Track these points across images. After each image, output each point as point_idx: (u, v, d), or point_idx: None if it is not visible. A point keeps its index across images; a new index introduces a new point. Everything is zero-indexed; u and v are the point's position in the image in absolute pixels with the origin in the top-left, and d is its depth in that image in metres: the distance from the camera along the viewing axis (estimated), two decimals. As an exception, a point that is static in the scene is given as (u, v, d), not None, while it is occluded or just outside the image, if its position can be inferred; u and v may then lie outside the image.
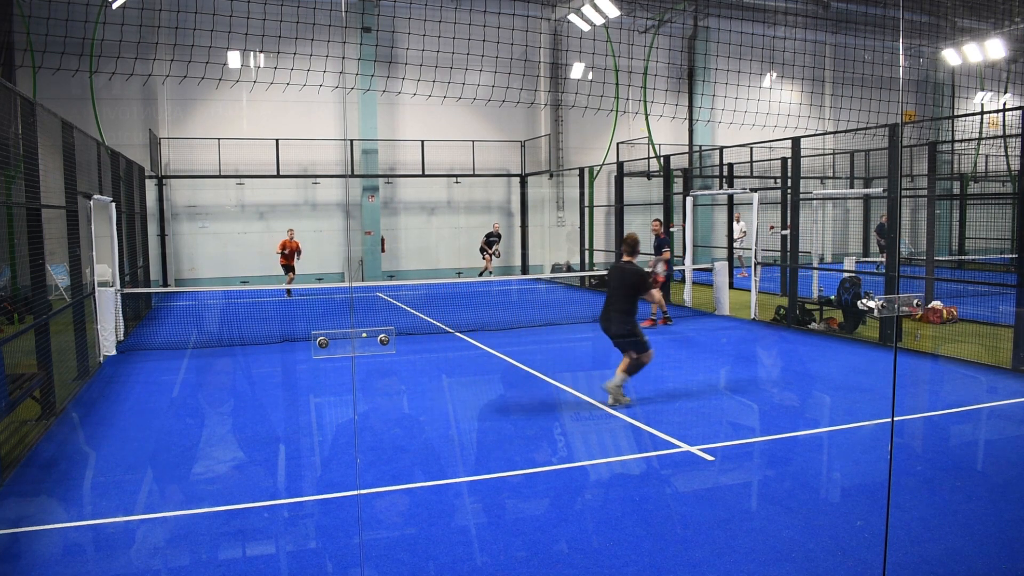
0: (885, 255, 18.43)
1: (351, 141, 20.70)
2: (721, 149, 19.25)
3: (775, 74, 23.38)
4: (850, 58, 21.88)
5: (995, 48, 22.79)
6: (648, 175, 22.02)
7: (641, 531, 4.64)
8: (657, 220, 13.33)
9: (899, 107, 23.40)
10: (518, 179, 22.29)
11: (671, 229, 16.87)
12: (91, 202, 9.80)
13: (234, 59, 17.41)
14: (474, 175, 21.80)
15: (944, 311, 11.95)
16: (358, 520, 4.90)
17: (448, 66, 15.31)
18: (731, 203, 18.92)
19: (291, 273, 17.40)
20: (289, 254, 17.31)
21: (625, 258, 7.71)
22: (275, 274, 19.76)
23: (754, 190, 13.82)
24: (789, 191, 12.99)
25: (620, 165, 19.07)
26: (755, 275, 13.25)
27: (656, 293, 10.53)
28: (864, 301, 10.93)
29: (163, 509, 5.12)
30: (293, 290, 17.58)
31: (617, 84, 22.77)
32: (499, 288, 19.09)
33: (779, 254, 14.84)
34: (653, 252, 13.37)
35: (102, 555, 4.46)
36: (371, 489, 5.43)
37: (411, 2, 15.85)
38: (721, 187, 20.04)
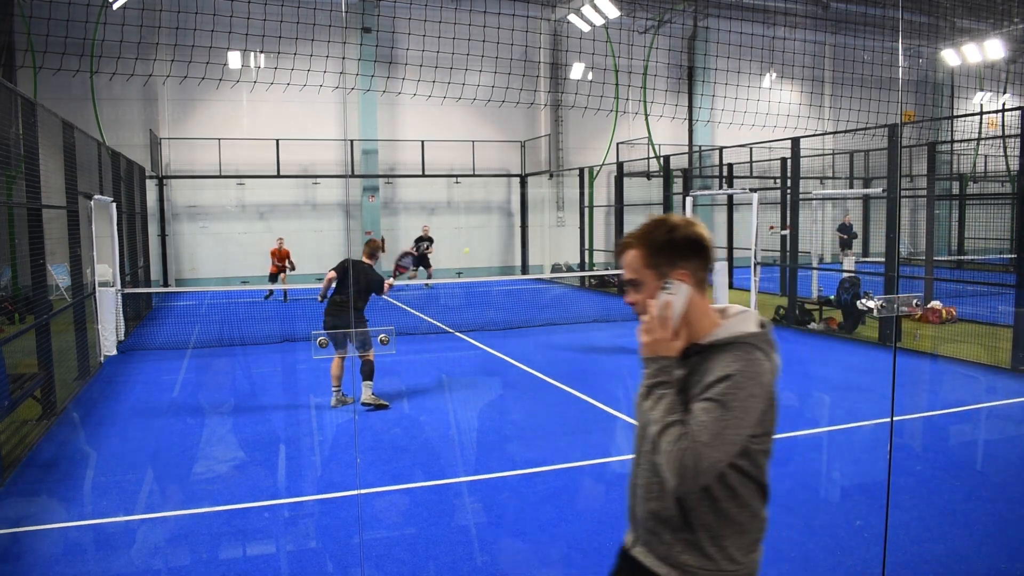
0: (844, 253, 18.68)
1: (351, 141, 20.71)
2: (721, 149, 19.27)
3: (775, 74, 23.39)
4: (850, 58, 21.89)
5: (994, 48, 22.80)
6: (648, 175, 22.02)
7: (641, 531, 4.64)
8: None
9: (899, 107, 23.42)
10: (518, 179, 22.30)
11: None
12: (91, 202, 9.81)
13: (234, 59, 17.42)
14: (474, 175, 21.81)
15: (943, 311, 11.97)
16: (358, 520, 4.91)
17: (448, 66, 15.32)
18: (731, 203, 18.93)
19: (283, 274, 16.97)
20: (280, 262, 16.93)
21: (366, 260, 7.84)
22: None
23: (754, 190, 13.81)
24: (789, 191, 13.00)
25: (620, 165, 19.09)
26: (755, 275, 13.25)
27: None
28: (864, 301, 10.95)
29: (163, 509, 5.13)
30: (290, 292, 17.24)
31: (617, 84, 22.77)
32: (499, 288, 19.09)
33: (779, 254, 14.85)
34: None
35: (102, 555, 4.47)
36: (371, 489, 5.44)
37: (411, 2, 15.85)
38: (721, 187, 20.05)
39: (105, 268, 11.33)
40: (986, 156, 24.32)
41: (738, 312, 2.03)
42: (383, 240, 21.80)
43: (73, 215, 8.88)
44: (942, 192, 20.95)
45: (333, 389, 7.58)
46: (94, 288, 10.42)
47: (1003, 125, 22.47)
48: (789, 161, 12.72)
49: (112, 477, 5.74)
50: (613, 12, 19.95)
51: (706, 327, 1.98)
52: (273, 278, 16.91)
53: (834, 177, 23.36)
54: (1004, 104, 27.35)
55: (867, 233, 20.56)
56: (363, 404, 7.45)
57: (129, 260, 13.33)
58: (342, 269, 7.62)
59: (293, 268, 16.80)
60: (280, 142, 19.46)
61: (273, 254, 16.82)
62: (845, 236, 19.94)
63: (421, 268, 18.90)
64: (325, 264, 21.95)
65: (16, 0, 16.35)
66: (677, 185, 17.28)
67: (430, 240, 19.51)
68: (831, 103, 25.30)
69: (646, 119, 23.66)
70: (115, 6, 16.65)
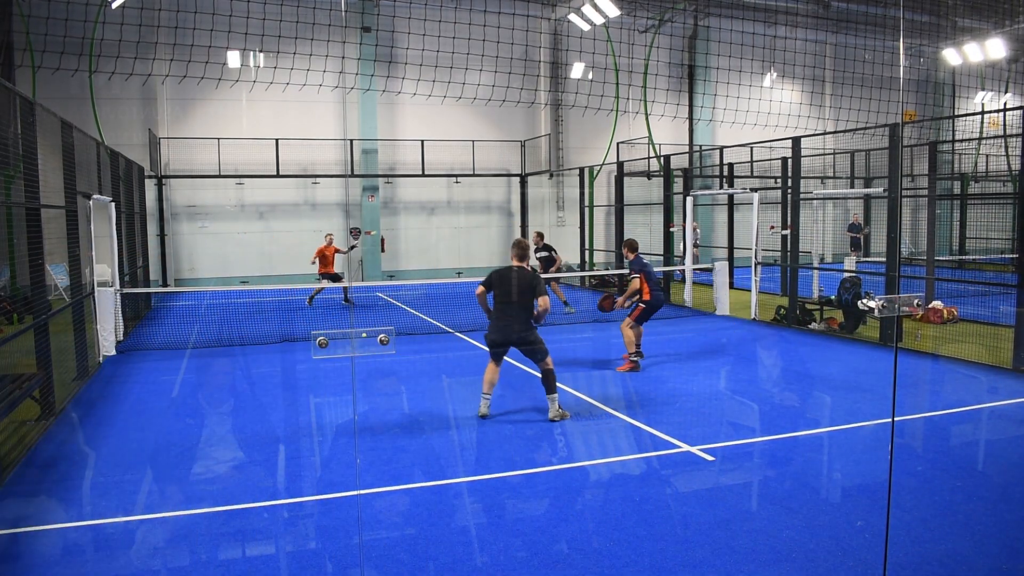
0: (855, 252, 18.70)
1: (351, 141, 20.70)
2: (721, 149, 19.25)
3: (775, 74, 23.37)
4: (850, 58, 21.87)
5: (996, 48, 22.78)
6: (648, 175, 22.01)
7: (642, 531, 4.63)
8: (626, 243, 9.87)
9: (899, 107, 23.40)
10: (518, 179, 22.28)
11: (671, 229, 16.83)
12: (91, 202, 9.79)
13: (234, 59, 17.41)
14: (474, 175, 21.79)
15: (944, 311, 11.94)
16: (358, 520, 4.89)
17: (448, 66, 15.30)
18: (731, 203, 18.91)
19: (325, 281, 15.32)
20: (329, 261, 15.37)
21: (515, 263, 7.19)
22: (275, 274, 19.75)
23: (755, 190, 13.81)
24: (789, 191, 12.98)
25: (620, 165, 19.06)
26: (756, 275, 13.24)
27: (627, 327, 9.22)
28: (864, 301, 10.92)
29: (163, 509, 5.11)
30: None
31: (617, 84, 22.76)
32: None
33: (779, 254, 14.83)
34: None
35: (102, 555, 4.46)
36: (371, 489, 5.42)
37: (411, 2, 15.84)
38: (722, 187, 20.03)
39: (104, 268, 11.32)
40: (987, 156, 24.30)
41: None
42: (383, 240, 21.74)
43: (72, 215, 8.86)
44: (943, 192, 20.92)
45: (484, 395, 7.15)
46: (93, 288, 10.41)
47: (1004, 124, 22.46)
48: (790, 161, 12.70)
49: (111, 477, 5.72)
50: (613, 11, 19.93)
51: None
52: (326, 279, 15.38)
53: (835, 177, 23.34)
54: (1005, 103, 27.32)
55: (868, 233, 20.55)
56: (551, 420, 6.99)
57: (128, 260, 13.31)
58: (489, 281, 7.19)
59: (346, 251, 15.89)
60: (279, 142, 19.44)
61: (320, 253, 15.41)
62: (856, 235, 19.89)
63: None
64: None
65: (16, 0, 16.33)
66: (677, 185, 17.26)
67: (548, 249, 14.88)
68: (832, 103, 25.28)
69: (646, 118, 23.64)
70: (114, 5, 16.64)
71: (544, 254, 14.76)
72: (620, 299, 9.48)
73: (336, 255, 15.63)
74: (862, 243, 19.97)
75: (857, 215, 20.84)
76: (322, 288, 15.63)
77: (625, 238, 10.04)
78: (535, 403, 7.78)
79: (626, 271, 17.04)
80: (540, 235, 15.06)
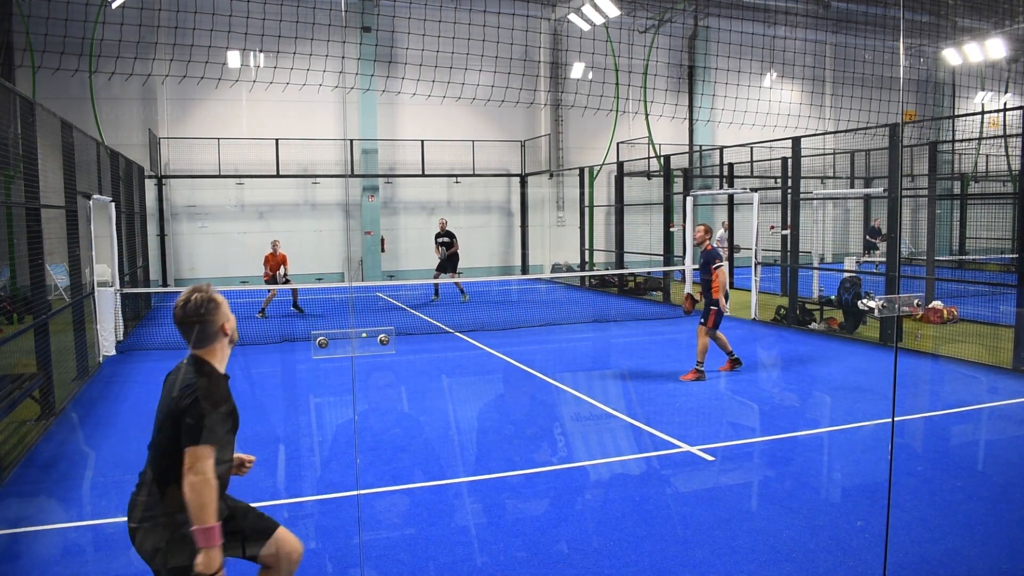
0: (867, 253, 18.61)
1: (351, 141, 20.70)
2: (721, 149, 19.25)
3: (775, 74, 23.37)
4: (850, 58, 21.87)
5: (996, 48, 22.79)
6: (648, 175, 22.00)
7: (642, 531, 4.63)
8: (703, 225, 9.11)
9: (899, 107, 23.39)
10: (518, 179, 22.28)
11: (671, 229, 16.83)
12: (91, 202, 9.79)
13: (234, 59, 17.40)
14: (474, 175, 21.79)
15: (944, 311, 11.94)
16: (358, 520, 4.89)
17: (448, 66, 15.31)
18: (731, 203, 18.91)
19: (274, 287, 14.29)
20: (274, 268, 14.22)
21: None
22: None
23: (755, 190, 13.81)
24: (789, 191, 12.98)
25: (620, 165, 19.07)
26: (756, 275, 13.24)
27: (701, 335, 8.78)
28: (864, 301, 10.93)
29: (162, 509, 5.11)
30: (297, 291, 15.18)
31: (617, 84, 22.76)
32: (499, 288, 19.06)
33: (779, 254, 14.83)
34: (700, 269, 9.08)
35: (102, 555, 4.45)
36: (371, 489, 5.42)
37: (411, 2, 15.84)
38: (721, 187, 20.03)
39: (104, 268, 11.32)
40: (987, 156, 24.31)
41: None
42: (383, 240, 21.71)
43: (72, 215, 8.86)
44: (943, 192, 20.93)
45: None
46: (93, 288, 10.41)
47: (1004, 124, 22.45)
48: (790, 161, 12.71)
49: (111, 477, 5.72)
50: (613, 11, 19.93)
51: None
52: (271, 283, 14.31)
53: (835, 177, 23.34)
54: (1005, 103, 27.33)
55: (867, 233, 20.52)
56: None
57: (128, 260, 13.31)
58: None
59: (287, 280, 14.33)
60: (280, 142, 19.44)
61: (267, 261, 14.19)
62: (873, 239, 19.62)
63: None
64: (325, 264, 21.76)
65: (16, 0, 16.33)
66: (677, 185, 17.25)
67: (449, 236, 16.13)
68: (832, 103, 25.28)
69: (646, 118, 23.64)
70: (114, 5, 16.64)
71: (446, 239, 16.14)
72: (722, 301, 8.63)
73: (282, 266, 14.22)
74: (876, 246, 19.71)
75: (878, 219, 20.19)
76: (274, 293, 14.41)
77: (698, 223, 9.53)
78: (536, 403, 7.79)
79: (627, 271, 17.19)
80: (443, 221, 16.52)
